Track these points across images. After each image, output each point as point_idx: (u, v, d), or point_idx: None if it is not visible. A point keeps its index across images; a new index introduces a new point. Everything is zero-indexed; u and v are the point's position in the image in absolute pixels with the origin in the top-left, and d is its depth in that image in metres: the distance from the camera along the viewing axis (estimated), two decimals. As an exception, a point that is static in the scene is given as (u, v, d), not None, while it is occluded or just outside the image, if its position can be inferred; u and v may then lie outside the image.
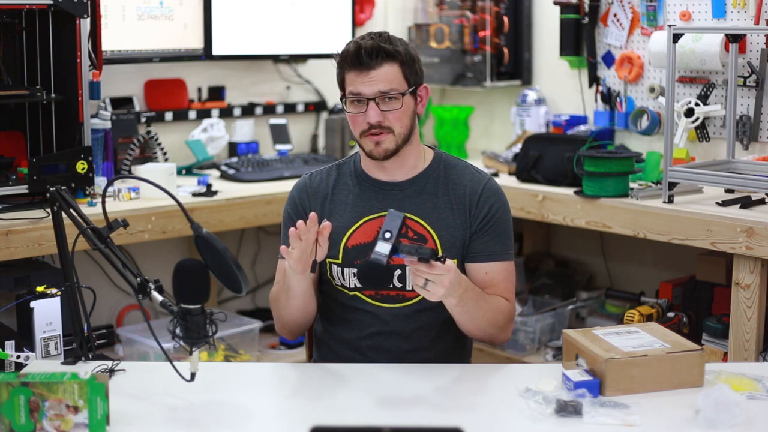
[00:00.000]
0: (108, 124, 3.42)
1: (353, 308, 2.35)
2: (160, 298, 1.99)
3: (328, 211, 2.36)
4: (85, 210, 2.35)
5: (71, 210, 2.12)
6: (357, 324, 2.35)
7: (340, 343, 2.38)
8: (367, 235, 2.32)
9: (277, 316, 2.36)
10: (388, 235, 2.04)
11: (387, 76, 2.25)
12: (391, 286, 2.31)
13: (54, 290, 2.33)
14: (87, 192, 3.16)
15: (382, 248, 2.03)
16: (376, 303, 2.33)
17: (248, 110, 4.21)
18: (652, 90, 3.70)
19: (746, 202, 3.08)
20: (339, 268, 2.33)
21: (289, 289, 2.25)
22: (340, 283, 2.34)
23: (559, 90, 4.15)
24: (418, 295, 2.29)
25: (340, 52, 2.30)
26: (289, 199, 2.43)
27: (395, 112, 2.27)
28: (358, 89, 2.25)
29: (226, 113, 4.12)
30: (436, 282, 2.05)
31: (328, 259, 2.34)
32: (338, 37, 4.22)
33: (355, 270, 2.32)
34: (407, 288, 2.31)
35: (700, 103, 3.49)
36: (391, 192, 2.34)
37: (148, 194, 3.26)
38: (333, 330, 2.39)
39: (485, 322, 2.26)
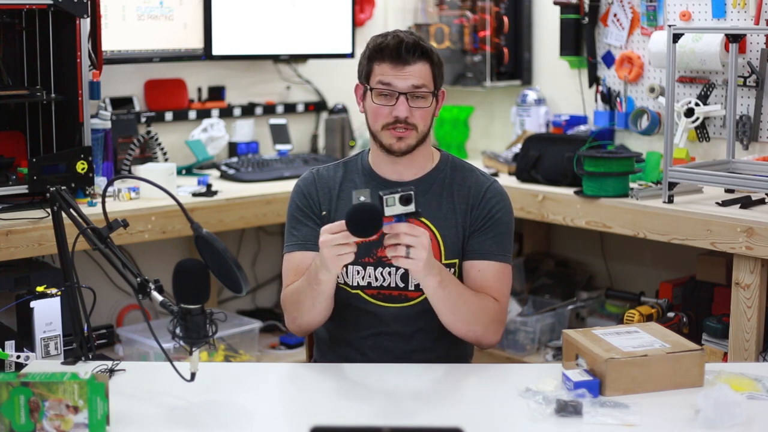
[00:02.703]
0: (108, 124, 3.42)
1: (355, 307, 2.34)
2: (160, 298, 1.99)
3: (335, 206, 2.36)
4: (85, 210, 2.35)
5: (71, 210, 2.12)
6: (358, 324, 2.35)
7: (341, 342, 2.38)
8: None
9: (295, 318, 2.32)
10: (362, 198, 2.01)
11: (421, 73, 2.26)
12: (394, 285, 2.31)
13: (54, 290, 2.33)
14: (87, 192, 3.16)
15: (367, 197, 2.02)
16: (378, 302, 2.33)
17: (248, 110, 4.21)
18: (652, 90, 3.70)
19: (746, 202, 3.08)
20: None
21: (320, 295, 2.22)
22: (342, 281, 2.34)
23: (559, 90, 4.15)
24: (420, 295, 2.29)
25: (374, 43, 2.30)
26: (295, 192, 2.41)
27: (422, 110, 2.28)
28: (391, 81, 2.26)
29: (226, 113, 4.12)
30: (416, 246, 2.04)
31: None
32: (338, 37, 4.23)
33: (359, 268, 2.32)
34: (410, 288, 2.31)
35: (700, 103, 3.49)
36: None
37: (148, 194, 3.26)
38: (334, 330, 2.39)
39: (469, 314, 2.23)
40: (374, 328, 2.34)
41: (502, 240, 2.34)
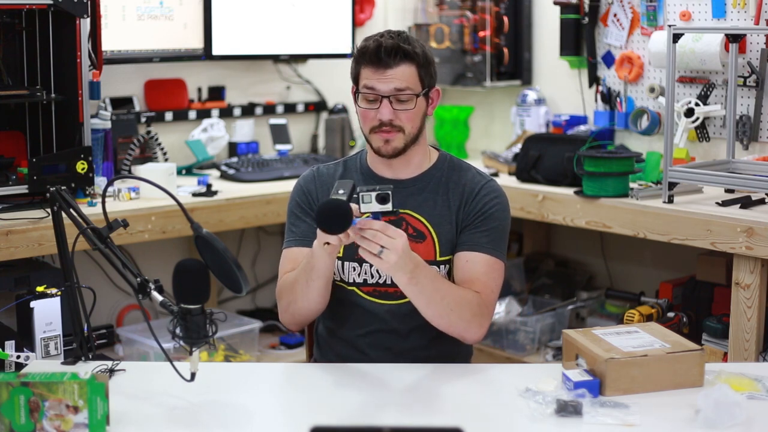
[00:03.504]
0: (108, 124, 3.42)
1: (352, 304, 2.35)
2: (160, 298, 1.99)
3: None
4: (85, 210, 2.35)
5: (71, 210, 2.12)
6: (356, 321, 2.35)
7: (341, 341, 2.39)
8: None
9: (289, 303, 2.30)
10: (341, 191, 2.04)
11: (403, 75, 2.27)
12: (390, 282, 2.31)
13: (54, 290, 2.33)
14: (87, 192, 3.16)
15: (338, 196, 2.03)
16: (373, 299, 2.33)
17: (248, 110, 4.21)
18: (652, 90, 3.70)
19: (746, 202, 3.08)
20: (339, 262, 2.34)
21: (313, 270, 2.20)
22: (339, 278, 2.35)
23: (559, 90, 4.15)
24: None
25: (359, 47, 2.31)
26: (296, 189, 2.43)
27: (407, 113, 2.28)
28: (374, 85, 2.26)
29: (226, 113, 4.12)
30: (389, 247, 2.03)
31: None
32: (338, 37, 4.23)
33: (355, 264, 2.32)
34: None
35: (700, 103, 3.49)
36: (395, 189, 2.33)
37: (148, 194, 3.26)
38: (333, 328, 2.40)
39: (445, 308, 2.19)
40: (371, 326, 2.34)
41: (495, 235, 2.32)
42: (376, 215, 2.05)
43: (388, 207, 2.04)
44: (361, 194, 2.04)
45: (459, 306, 2.21)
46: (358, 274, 2.33)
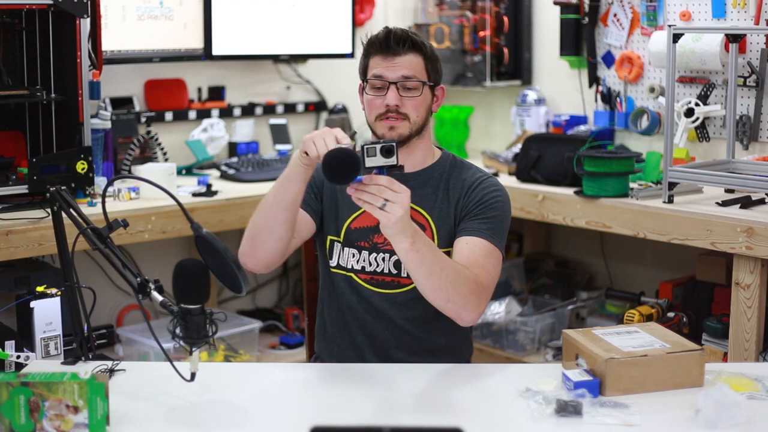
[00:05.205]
0: (108, 124, 3.42)
1: (349, 292, 2.37)
2: (160, 298, 1.99)
3: (338, 191, 2.38)
4: (85, 210, 2.35)
5: (71, 210, 2.12)
6: (352, 311, 2.37)
7: (341, 337, 2.41)
8: (370, 219, 2.32)
9: (252, 226, 2.31)
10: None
11: (411, 64, 2.31)
12: (387, 271, 2.33)
13: (54, 290, 2.33)
14: (87, 192, 3.16)
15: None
16: (370, 287, 2.35)
17: (248, 110, 4.21)
18: (652, 90, 3.70)
19: (746, 202, 3.08)
20: (339, 246, 2.36)
21: (284, 181, 2.23)
22: (336, 263, 2.36)
23: (559, 90, 4.15)
24: (413, 282, 2.29)
25: (367, 39, 2.35)
26: None
27: (413, 100, 2.30)
28: (382, 72, 2.30)
29: (226, 113, 4.12)
30: (395, 201, 2.01)
31: (329, 237, 2.38)
32: (338, 37, 4.23)
33: (354, 251, 2.34)
34: (402, 275, 2.32)
35: (700, 103, 3.49)
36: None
37: (148, 194, 3.26)
38: (332, 321, 2.42)
39: (444, 279, 2.13)
40: (369, 315, 2.36)
41: (494, 224, 2.31)
42: (381, 170, 2.03)
43: (393, 160, 2.02)
44: (365, 148, 2.02)
45: (458, 280, 2.17)
46: (357, 261, 2.35)
